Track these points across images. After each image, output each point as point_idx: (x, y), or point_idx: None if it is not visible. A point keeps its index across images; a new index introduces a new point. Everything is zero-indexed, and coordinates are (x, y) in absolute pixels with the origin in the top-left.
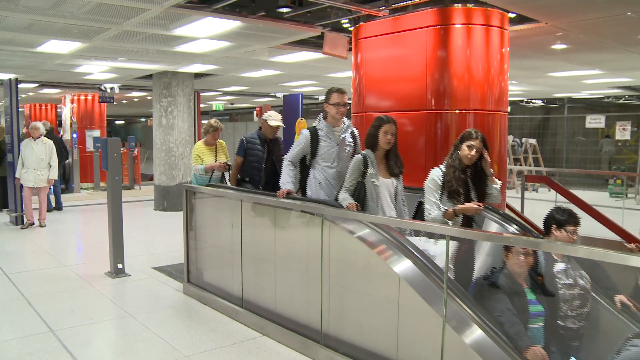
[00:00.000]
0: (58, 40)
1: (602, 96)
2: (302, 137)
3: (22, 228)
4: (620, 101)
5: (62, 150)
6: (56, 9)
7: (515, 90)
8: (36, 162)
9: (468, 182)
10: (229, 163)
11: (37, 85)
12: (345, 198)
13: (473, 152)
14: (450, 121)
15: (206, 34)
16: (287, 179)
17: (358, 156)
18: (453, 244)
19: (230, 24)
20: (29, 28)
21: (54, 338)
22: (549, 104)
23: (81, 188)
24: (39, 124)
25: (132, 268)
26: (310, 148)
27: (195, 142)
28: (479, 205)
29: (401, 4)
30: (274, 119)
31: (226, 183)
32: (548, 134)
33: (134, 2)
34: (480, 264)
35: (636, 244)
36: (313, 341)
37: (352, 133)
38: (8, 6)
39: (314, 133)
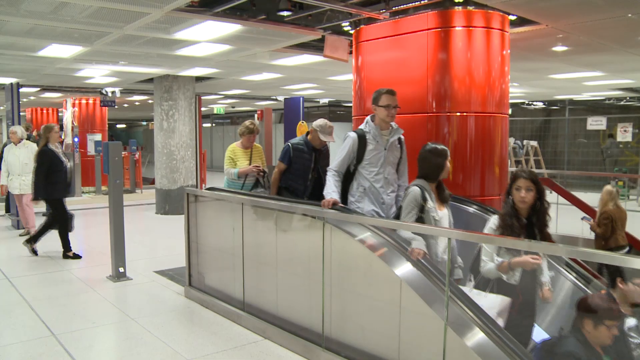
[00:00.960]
0: (59, 44)
1: (603, 98)
2: (348, 140)
3: (20, 235)
4: (622, 103)
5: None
6: (57, 13)
7: (516, 92)
8: (20, 168)
9: (534, 231)
10: (264, 169)
11: (38, 89)
12: (412, 238)
13: (522, 193)
14: (451, 124)
15: (207, 38)
16: (332, 188)
17: (415, 189)
18: (503, 300)
19: (231, 28)
20: (30, 32)
21: (56, 342)
22: (550, 106)
23: (82, 192)
24: (17, 128)
25: (133, 272)
26: (357, 152)
27: (196, 146)
28: (536, 258)
29: (402, 6)
30: (325, 132)
31: (260, 189)
32: (549, 136)
33: (135, 6)
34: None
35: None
36: (315, 344)
37: (400, 139)
38: (9, 11)
39: (361, 136)
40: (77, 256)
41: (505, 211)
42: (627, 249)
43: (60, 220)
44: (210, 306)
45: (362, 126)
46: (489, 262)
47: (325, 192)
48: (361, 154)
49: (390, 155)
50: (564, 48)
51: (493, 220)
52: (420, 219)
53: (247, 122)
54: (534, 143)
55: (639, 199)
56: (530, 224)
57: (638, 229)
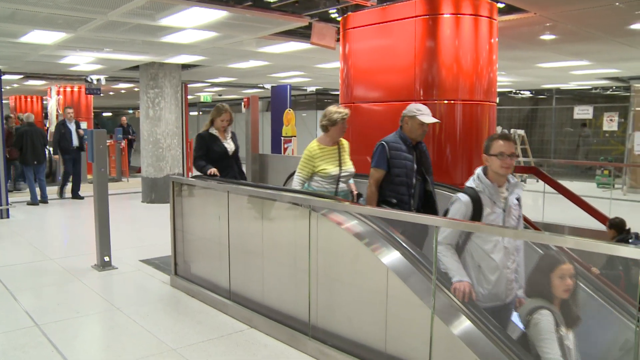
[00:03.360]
0: (42, 30)
1: (590, 87)
2: (457, 205)
3: None
4: (608, 92)
5: (44, 143)
6: None
7: (503, 81)
8: None
9: None
10: (355, 190)
11: (21, 76)
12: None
13: None
14: (439, 111)
15: (192, 24)
16: (455, 267)
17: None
18: None
19: (217, 14)
20: (11, 17)
21: (39, 332)
22: (537, 95)
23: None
24: None
25: (119, 261)
26: (470, 219)
27: (183, 134)
28: None
29: None
30: (425, 112)
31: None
32: (536, 125)
33: None
34: None
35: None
36: (301, 333)
37: (518, 197)
38: None
39: (475, 198)
40: None
41: None
42: None
43: None
44: (196, 295)
45: (471, 183)
46: None
47: (450, 273)
48: (477, 220)
49: (510, 218)
50: (552, 36)
51: None
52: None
53: (333, 108)
54: (521, 132)
55: (624, 188)
56: None
57: (623, 217)
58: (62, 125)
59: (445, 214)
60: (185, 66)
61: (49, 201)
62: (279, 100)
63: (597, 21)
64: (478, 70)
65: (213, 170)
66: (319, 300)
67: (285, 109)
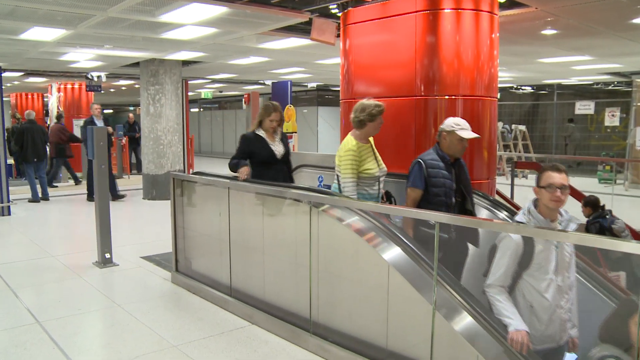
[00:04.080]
0: (42, 27)
1: (591, 82)
2: (508, 241)
3: None
4: (609, 87)
5: (45, 140)
6: None
7: (504, 76)
8: None
9: None
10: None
11: (22, 74)
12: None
13: None
14: (440, 107)
15: (193, 20)
16: (511, 312)
17: None
18: None
19: (217, 10)
20: (11, 14)
21: (41, 329)
22: (538, 90)
23: (68, 177)
24: None
25: (120, 258)
26: (522, 257)
27: (183, 131)
28: None
29: None
30: (465, 127)
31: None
32: (537, 121)
33: None
34: None
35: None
36: (302, 329)
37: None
38: None
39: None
40: None
41: None
42: None
43: None
44: (197, 292)
45: (521, 217)
46: None
47: (505, 321)
48: (527, 259)
49: (563, 256)
50: (553, 31)
51: None
52: None
53: (370, 102)
54: (523, 127)
55: (625, 183)
56: None
57: (625, 212)
58: (89, 123)
59: (492, 250)
60: (185, 62)
61: (50, 198)
62: (280, 97)
63: (598, 16)
64: (479, 66)
65: (243, 170)
66: (320, 296)
67: (286, 105)
